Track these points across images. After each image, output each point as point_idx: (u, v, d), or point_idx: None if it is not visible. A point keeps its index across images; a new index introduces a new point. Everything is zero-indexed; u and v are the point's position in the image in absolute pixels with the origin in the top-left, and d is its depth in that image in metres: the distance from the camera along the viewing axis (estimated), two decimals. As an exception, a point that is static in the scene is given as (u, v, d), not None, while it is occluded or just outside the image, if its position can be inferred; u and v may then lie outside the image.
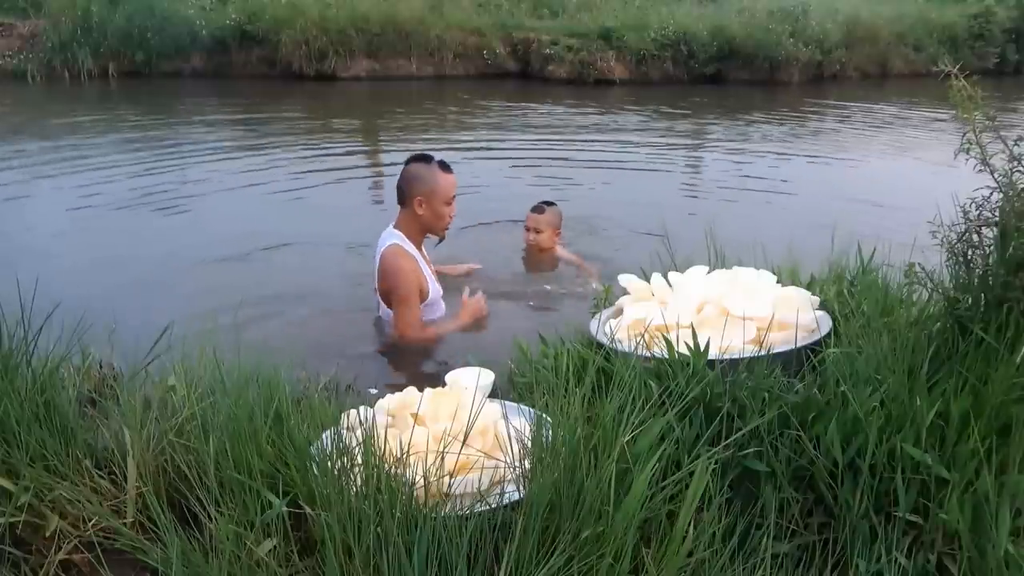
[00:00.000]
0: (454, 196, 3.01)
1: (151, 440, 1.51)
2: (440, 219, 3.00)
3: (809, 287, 2.34)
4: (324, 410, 1.63)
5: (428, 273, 3.06)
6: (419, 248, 3.08)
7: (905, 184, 5.90)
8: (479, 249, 4.11)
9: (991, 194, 1.56)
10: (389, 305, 2.99)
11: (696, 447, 1.44)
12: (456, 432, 1.41)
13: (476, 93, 11.07)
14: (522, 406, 1.73)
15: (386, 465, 1.29)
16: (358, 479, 1.30)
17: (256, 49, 11.95)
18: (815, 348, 1.90)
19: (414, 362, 2.93)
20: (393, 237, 2.99)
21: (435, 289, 3.08)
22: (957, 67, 1.55)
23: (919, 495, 1.38)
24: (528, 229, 3.95)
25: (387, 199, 5.11)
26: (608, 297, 2.49)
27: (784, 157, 7.29)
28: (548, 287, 3.69)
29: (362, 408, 1.62)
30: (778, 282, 2.30)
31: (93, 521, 1.39)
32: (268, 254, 4.17)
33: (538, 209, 4.00)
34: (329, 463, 1.32)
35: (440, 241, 3.15)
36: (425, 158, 3.02)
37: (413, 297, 2.92)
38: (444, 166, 2.99)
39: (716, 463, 1.40)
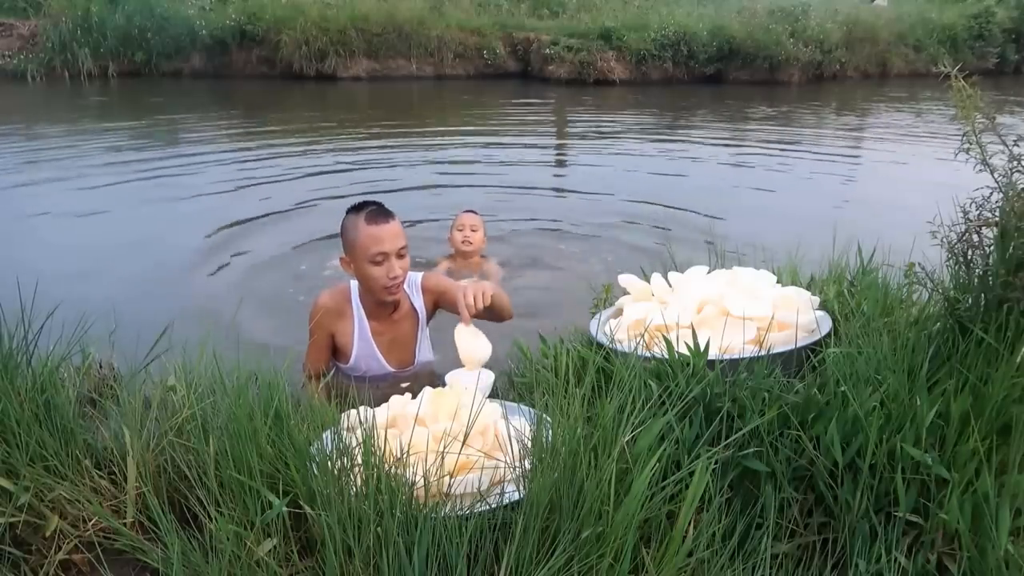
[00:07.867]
0: (385, 252, 2.30)
1: (151, 440, 1.51)
2: (368, 280, 2.36)
3: (809, 287, 2.34)
4: (324, 410, 1.63)
5: (360, 338, 2.47)
6: (372, 308, 2.46)
7: (905, 184, 5.90)
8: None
9: (991, 194, 1.56)
10: None
11: (696, 447, 1.44)
12: (456, 432, 1.41)
13: (480, 93, 11.07)
14: (522, 406, 1.73)
15: (386, 465, 1.29)
16: (358, 479, 1.30)
17: (256, 49, 11.98)
18: (815, 348, 1.90)
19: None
20: (351, 281, 2.49)
21: (362, 356, 2.48)
22: (957, 67, 1.55)
23: (919, 495, 1.38)
24: (462, 229, 3.94)
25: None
26: (608, 297, 2.49)
27: (784, 157, 7.29)
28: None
29: (362, 408, 1.62)
30: (778, 282, 2.30)
31: (93, 521, 1.39)
32: (269, 254, 4.17)
33: (471, 210, 4.00)
34: (329, 463, 1.32)
35: (395, 310, 2.46)
36: (359, 207, 2.39)
37: (314, 341, 2.42)
38: (375, 215, 2.33)
39: (716, 463, 1.40)
